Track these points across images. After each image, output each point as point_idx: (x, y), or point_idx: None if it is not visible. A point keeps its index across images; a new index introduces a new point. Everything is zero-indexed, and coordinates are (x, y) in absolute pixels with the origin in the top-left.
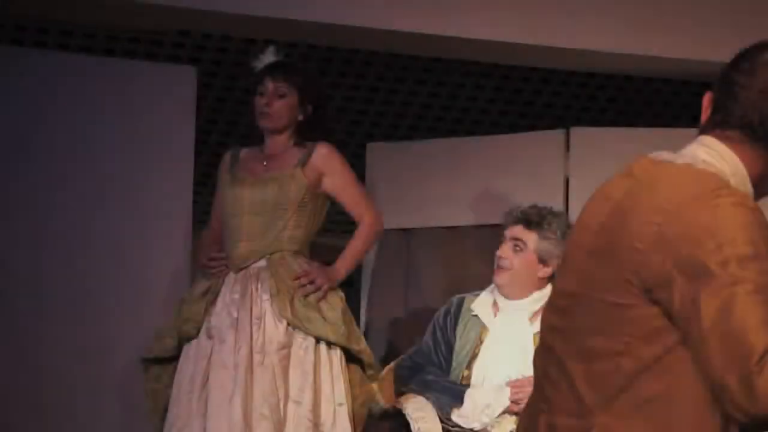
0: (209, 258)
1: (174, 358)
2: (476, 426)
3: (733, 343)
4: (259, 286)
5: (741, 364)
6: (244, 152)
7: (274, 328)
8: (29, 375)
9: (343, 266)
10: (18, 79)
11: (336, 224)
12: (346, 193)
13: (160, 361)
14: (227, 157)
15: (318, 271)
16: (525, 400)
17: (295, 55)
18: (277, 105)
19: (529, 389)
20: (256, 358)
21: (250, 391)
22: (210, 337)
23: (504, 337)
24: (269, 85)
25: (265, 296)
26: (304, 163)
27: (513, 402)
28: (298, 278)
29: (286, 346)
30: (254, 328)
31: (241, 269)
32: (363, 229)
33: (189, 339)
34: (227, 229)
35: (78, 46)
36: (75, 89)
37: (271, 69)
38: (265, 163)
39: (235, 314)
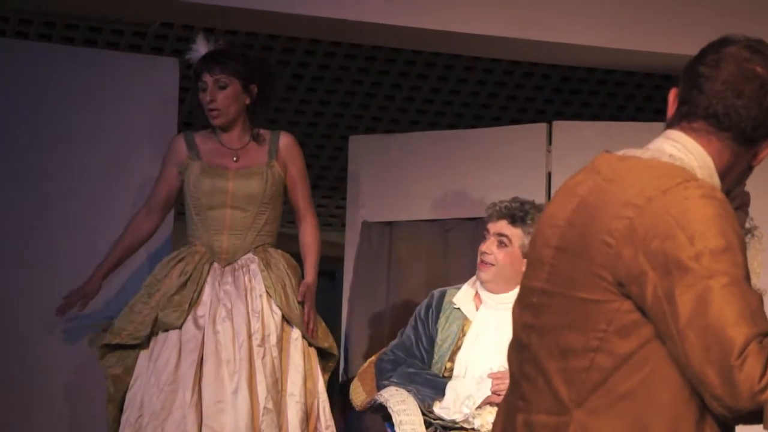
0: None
1: (136, 345)
2: (458, 417)
3: (713, 338)
4: (252, 278)
5: (721, 359)
6: (199, 138)
7: (271, 321)
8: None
9: (315, 275)
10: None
11: None
12: (300, 186)
13: (121, 346)
14: (180, 141)
15: (312, 305)
16: None
17: (277, 48)
18: (221, 98)
19: None
20: (258, 351)
21: (254, 384)
22: (198, 327)
23: (487, 329)
24: (208, 79)
25: (260, 289)
26: (275, 155)
27: (494, 393)
28: (306, 322)
29: (281, 340)
30: (253, 320)
31: (229, 263)
32: (313, 231)
33: (168, 329)
34: (203, 219)
35: (60, 37)
36: (57, 80)
37: (206, 62)
38: (235, 159)
39: (229, 306)
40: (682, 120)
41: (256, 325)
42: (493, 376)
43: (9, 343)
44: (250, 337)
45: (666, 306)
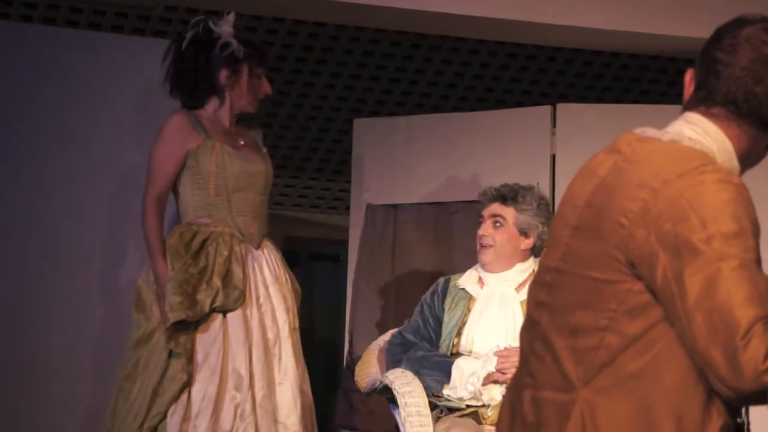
0: None
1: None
2: (464, 395)
3: (719, 319)
4: (277, 266)
5: (726, 340)
6: (203, 118)
7: (293, 306)
8: (11, 350)
9: None
10: (3, 53)
11: (306, 198)
12: None
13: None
14: (185, 120)
15: None
16: (511, 370)
17: (282, 31)
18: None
19: (515, 359)
20: (294, 337)
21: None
22: (243, 309)
23: (492, 304)
24: (263, 69)
25: (285, 276)
26: (263, 145)
27: (499, 371)
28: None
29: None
30: (283, 307)
31: (259, 246)
32: None
33: (223, 311)
34: (226, 200)
35: (64, 20)
36: (61, 64)
37: (264, 54)
38: (242, 142)
39: (265, 289)
40: (700, 104)
41: (287, 313)
42: (499, 354)
43: (13, 330)
44: (286, 323)
45: (675, 287)
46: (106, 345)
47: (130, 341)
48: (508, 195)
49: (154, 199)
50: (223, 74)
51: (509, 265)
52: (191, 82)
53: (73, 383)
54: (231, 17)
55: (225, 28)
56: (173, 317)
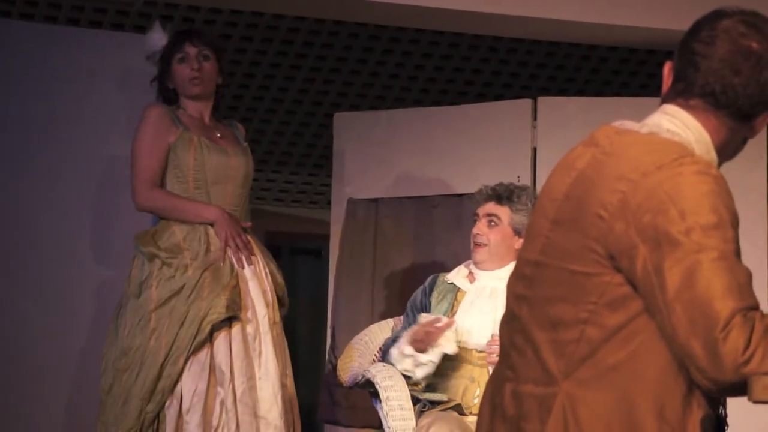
0: (241, 234)
1: None
2: (449, 350)
3: (699, 310)
4: (257, 261)
5: (706, 331)
6: (179, 113)
7: (273, 300)
8: None
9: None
10: None
11: (287, 193)
12: None
13: None
14: (163, 113)
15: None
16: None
17: (261, 25)
18: (206, 67)
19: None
20: (275, 331)
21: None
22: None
23: (482, 297)
24: (191, 50)
25: (264, 270)
26: (244, 141)
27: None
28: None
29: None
30: (263, 302)
31: None
32: None
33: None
34: (204, 194)
35: (43, 16)
36: (40, 59)
37: (188, 34)
38: (218, 135)
39: (246, 287)
40: (678, 96)
41: (270, 308)
42: (494, 342)
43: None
44: (266, 318)
45: (655, 279)
46: (94, 343)
47: (125, 329)
48: (504, 194)
49: (152, 185)
50: (165, 76)
51: (502, 264)
52: (164, 94)
53: (59, 381)
54: (156, 24)
55: (150, 38)
56: (228, 312)
